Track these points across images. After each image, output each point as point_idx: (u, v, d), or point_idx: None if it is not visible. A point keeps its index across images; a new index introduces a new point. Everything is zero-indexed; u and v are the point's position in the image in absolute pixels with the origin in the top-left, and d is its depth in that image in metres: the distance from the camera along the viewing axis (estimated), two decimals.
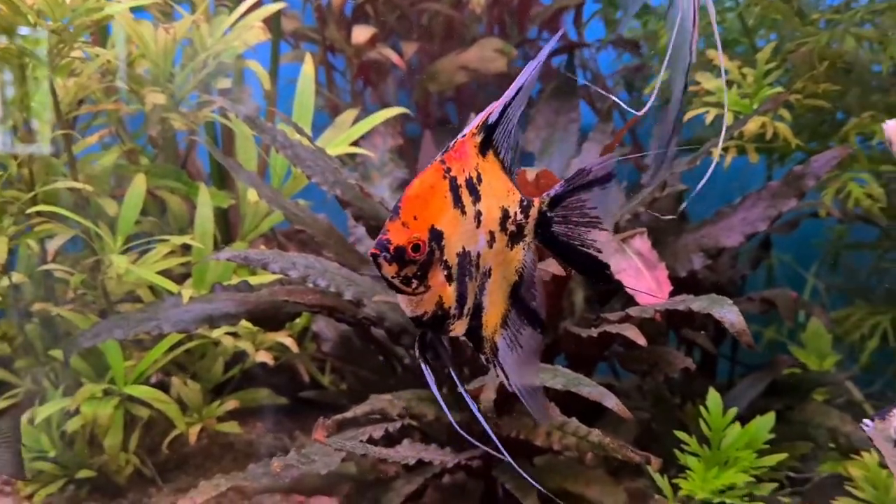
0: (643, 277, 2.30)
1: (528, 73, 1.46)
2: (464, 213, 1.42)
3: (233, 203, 3.02)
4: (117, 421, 2.56)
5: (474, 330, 1.48)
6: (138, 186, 2.57)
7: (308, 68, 3.03)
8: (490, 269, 1.47)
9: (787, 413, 2.50)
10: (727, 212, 2.41)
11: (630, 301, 2.38)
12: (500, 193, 1.46)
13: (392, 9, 3.33)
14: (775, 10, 2.61)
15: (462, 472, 2.37)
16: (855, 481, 2.33)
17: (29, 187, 2.47)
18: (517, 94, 1.45)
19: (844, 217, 2.74)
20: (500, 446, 1.58)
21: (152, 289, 2.74)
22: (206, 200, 2.74)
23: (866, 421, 1.68)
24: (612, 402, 1.98)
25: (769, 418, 2.32)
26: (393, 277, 1.38)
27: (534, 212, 1.49)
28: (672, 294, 2.29)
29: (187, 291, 2.39)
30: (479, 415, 1.56)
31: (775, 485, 2.38)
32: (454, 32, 3.38)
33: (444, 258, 1.40)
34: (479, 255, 1.44)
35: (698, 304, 2.00)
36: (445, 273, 1.41)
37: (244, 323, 2.58)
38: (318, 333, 2.73)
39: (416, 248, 1.37)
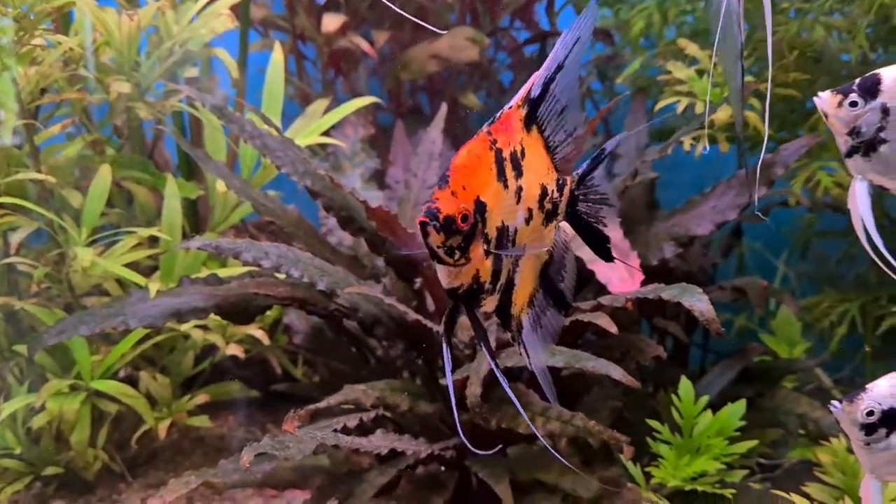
0: (615, 266, 2.30)
1: (569, 49, 1.43)
2: (506, 186, 1.39)
3: (201, 194, 2.98)
4: (84, 416, 2.52)
5: (504, 307, 1.46)
6: (103, 177, 2.52)
7: (277, 57, 2.99)
8: (524, 247, 1.44)
9: (757, 400, 2.51)
10: (698, 200, 2.41)
11: (602, 290, 2.39)
12: (541, 170, 1.44)
13: None
14: None
15: (435, 462, 2.36)
16: (824, 467, 2.35)
17: None
18: (558, 69, 1.42)
19: (814, 205, 2.76)
20: (464, 440, 1.54)
21: (119, 282, 2.70)
22: (174, 191, 2.70)
23: (834, 402, 1.67)
24: (617, 372, 2.01)
25: (740, 405, 2.33)
26: (438, 247, 1.35)
27: (566, 190, 1.47)
28: (644, 283, 2.29)
29: (154, 285, 2.35)
30: (454, 407, 1.52)
31: (746, 471, 2.40)
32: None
33: (486, 231, 1.37)
34: (516, 231, 1.42)
35: (669, 293, 2.00)
36: (485, 246, 1.38)
37: (214, 316, 2.55)
38: (290, 325, 2.70)
39: (464, 218, 1.34)
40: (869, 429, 1.60)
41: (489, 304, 1.44)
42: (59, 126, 2.48)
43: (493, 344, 2.02)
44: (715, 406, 2.37)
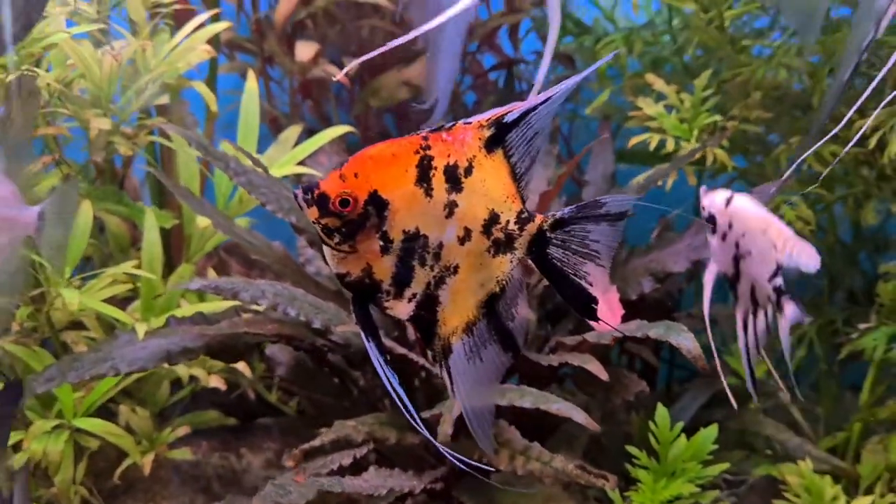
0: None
1: (565, 87, 1.42)
2: (429, 195, 1.36)
3: (175, 223, 2.97)
4: (67, 455, 2.50)
5: (424, 321, 1.42)
6: (86, 214, 2.50)
7: (251, 85, 3.00)
8: (457, 267, 1.41)
9: (725, 422, 2.64)
10: (673, 237, 2.52)
11: (582, 321, 2.48)
12: (493, 195, 1.39)
13: (332, 23, 3.32)
14: (709, 38, 2.74)
15: (424, 494, 2.42)
16: (789, 485, 2.50)
17: None
18: (543, 102, 1.40)
19: None
20: (462, 466, 1.54)
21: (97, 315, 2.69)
22: (153, 224, 2.69)
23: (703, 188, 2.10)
24: (580, 416, 2.07)
25: (712, 430, 2.45)
26: (314, 222, 1.35)
27: (532, 227, 1.42)
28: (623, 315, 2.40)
29: (142, 327, 2.35)
30: (435, 441, 1.53)
31: (717, 492, 2.53)
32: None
33: (385, 229, 1.35)
34: (441, 245, 1.39)
35: (655, 331, 2.10)
36: (381, 244, 1.36)
37: None
38: (272, 357, 2.72)
39: (344, 203, 1.32)
40: (707, 220, 2.03)
41: (397, 308, 1.41)
42: (38, 162, 2.45)
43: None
44: (687, 429, 2.49)
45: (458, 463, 1.57)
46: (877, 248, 3.12)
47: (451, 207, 1.37)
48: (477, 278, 1.42)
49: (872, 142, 2.31)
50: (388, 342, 2.36)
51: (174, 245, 3.06)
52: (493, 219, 1.39)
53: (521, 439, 2.21)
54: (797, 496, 2.44)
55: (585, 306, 1.49)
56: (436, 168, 1.35)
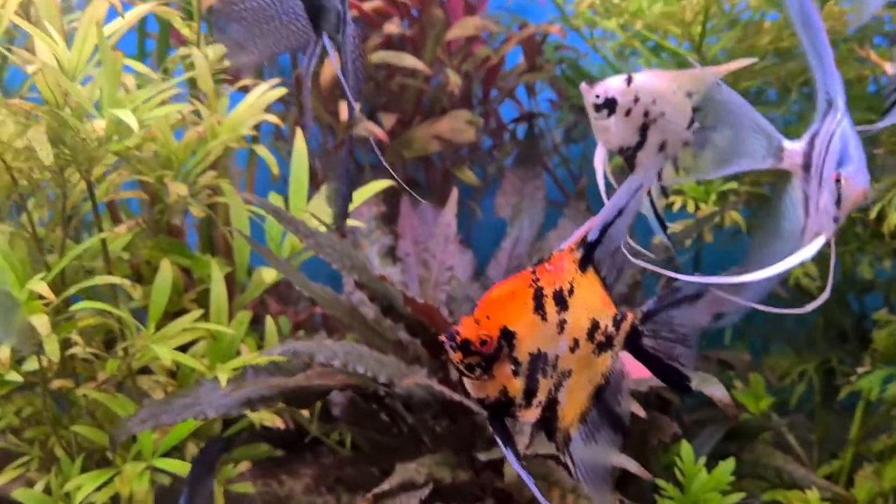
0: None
1: (629, 195, 1.62)
2: (544, 319, 1.58)
3: (229, 271, 3.19)
4: (148, 493, 2.72)
5: (548, 421, 1.65)
6: (165, 272, 2.72)
7: (300, 144, 3.22)
8: (570, 371, 1.64)
9: (739, 454, 2.96)
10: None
11: None
12: (592, 306, 1.63)
13: (367, 80, 3.56)
14: None
15: None
16: None
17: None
18: (618, 215, 1.61)
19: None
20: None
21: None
22: (219, 277, 2.91)
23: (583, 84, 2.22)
24: (634, 467, 2.35)
25: (730, 463, 2.76)
26: (458, 363, 1.58)
27: (626, 325, 1.66)
28: None
29: (223, 375, 2.58)
30: (532, 486, 1.69)
31: None
32: (423, 103, 3.66)
33: (514, 355, 1.58)
34: (557, 357, 1.61)
35: (693, 382, 2.39)
36: (513, 368, 1.58)
37: None
38: (329, 399, 2.96)
39: (482, 342, 1.54)
40: (597, 108, 2.17)
41: (527, 415, 1.64)
42: (124, 227, 2.65)
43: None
44: (706, 462, 2.80)
45: (542, 500, 1.82)
46: (863, 290, 3.47)
47: (561, 325, 1.61)
48: (586, 376, 1.67)
49: (873, 213, 2.63)
50: (437, 387, 2.61)
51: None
52: (595, 326, 1.64)
53: (569, 479, 2.49)
54: None
55: (680, 385, 1.75)
56: (546, 295, 1.59)
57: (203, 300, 3.11)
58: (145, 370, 2.97)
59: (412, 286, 3.14)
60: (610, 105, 2.26)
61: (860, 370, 2.85)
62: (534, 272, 1.60)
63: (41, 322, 2.28)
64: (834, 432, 3.43)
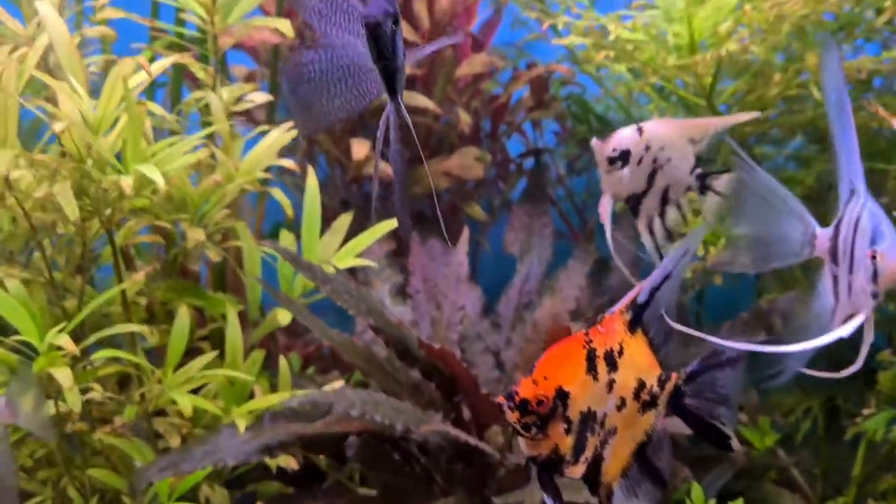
0: None
1: (676, 261, 1.75)
2: (596, 379, 1.67)
3: (241, 309, 3.21)
4: None
5: (592, 475, 1.73)
6: (183, 317, 2.74)
7: (312, 182, 3.24)
8: (616, 428, 1.72)
9: (747, 493, 3.01)
10: (697, 342, 2.87)
11: None
12: (640, 366, 1.72)
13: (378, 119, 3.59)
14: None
15: None
16: None
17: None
18: (665, 279, 1.73)
19: None
20: None
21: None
22: (235, 320, 2.93)
23: (595, 140, 2.35)
24: None
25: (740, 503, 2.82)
26: (514, 423, 1.65)
27: (670, 386, 1.76)
28: None
29: (241, 422, 2.61)
30: None
31: None
32: (432, 140, 3.69)
33: (567, 414, 1.66)
34: (605, 416, 1.69)
35: None
36: (565, 426, 1.66)
37: None
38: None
39: (539, 403, 1.62)
40: (611, 161, 2.31)
41: (574, 471, 1.71)
42: (142, 273, 2.67)
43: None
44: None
45: None
46: None
47: (611, 384, 1.69)
48: (630, 434, 1.74)
49: None
50: (452, 431, 2.64)
51: None
52: (641, 386, 1.73)
53: None
54: None
55: (721, 444, 1.83)
56: (598, 356, 1.68)
57: (215, 337, 3.14)
58: (160, 411, 3.00)
59: (424, 326, 3.17)
60: (624, 157, 2.33)
61: (865, 412, 2.90)
62: (587, 334, 1.68)
63: (63, 375, 2.30)
64: (838, 466, 3.49)
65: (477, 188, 3.84)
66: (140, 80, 2.39)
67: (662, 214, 2.46)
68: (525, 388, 1.63)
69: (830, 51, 1.95)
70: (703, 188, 2.44)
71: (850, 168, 1.96)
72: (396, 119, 1.88)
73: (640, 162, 2.35)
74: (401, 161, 1.92)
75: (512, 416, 1.63)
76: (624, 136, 2.33)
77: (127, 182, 2.18)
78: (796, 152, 3.17)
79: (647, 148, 2.34)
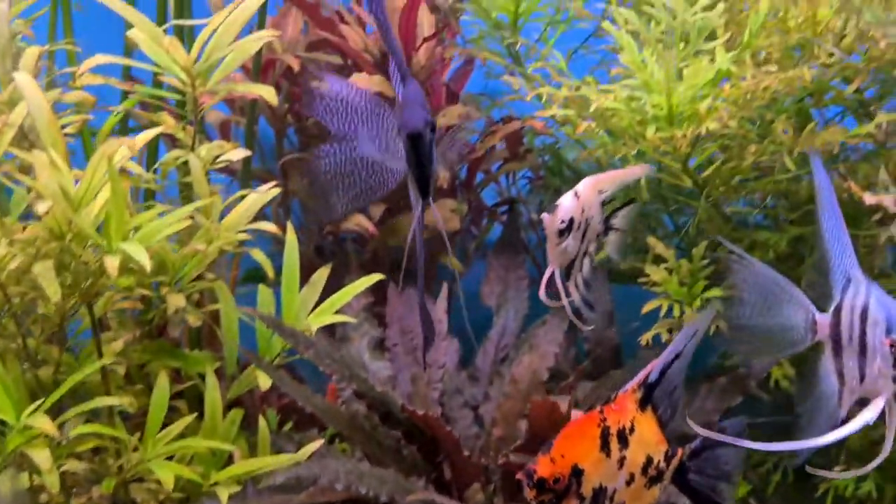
0: None
1: (686, 340, 1.84)
2: (608, 456, 1.75)
3: (218, 366, 3.18)
4: None
5: None
6: (163, 387, 2.71)
7: (292, 237, 3.22)
8: (624, 503, 1.80)
9: None
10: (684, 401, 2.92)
11: None
12: (648, 443, 1.81)
13: None
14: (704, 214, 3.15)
15: None
16: None
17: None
18: (676, 357, 1.81)
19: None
20: None
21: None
22: (215, 385, 2.91)
23: (544, 215, 2.34)
24: None
25: None
26: (532, 499, 1.72)
27: (675, 461, 1.85)
28: None
29: (224, 493, 2.58)
30: None
31: None
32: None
33: (580, 491, 1.73)
34: (615, 491, 1.77)
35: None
36: (578, 502, 1.73)
37: None
38: None
39: (556, 481, 1.70)
40: (560, 233, 2.29)
41: None
42: (121, 342, 2.64)
43: None
44: None
45: None
46: None
47: (622, 461, 1.77)
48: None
49: None
50: (438, 499, 2.65)
51: None
52: (649, 462, 1.81)
53: None
54: None
55: None
56: (612, 434, 1.76)
57: (191, 393, 3.11)
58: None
59: (403, 382, 3.17)
60: (570, 226, 2.35)
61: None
62: (601, 412, 1.76)
63: (42, 457, 2.26)
64: None
65: (452, 237, 3.86)
66: (123, 155, 2.36)
67: (581, 268, 2.50)
68: (543, 467, 1.69)
69: (816, 156, 2.06)
70: (607, 230, 2.52)
71: (845, 258, 2.03)
72: (422, 216, 1.93)
73: (578, 227, 2.37)
74: (424, 252, 1.92)
75: (529, 494, 1.69)
76: (567, 207, 2.31)
77: (112, 264, 2.15)
78: (772, 211, 3.23)
79: (583, 211, 2.36)
